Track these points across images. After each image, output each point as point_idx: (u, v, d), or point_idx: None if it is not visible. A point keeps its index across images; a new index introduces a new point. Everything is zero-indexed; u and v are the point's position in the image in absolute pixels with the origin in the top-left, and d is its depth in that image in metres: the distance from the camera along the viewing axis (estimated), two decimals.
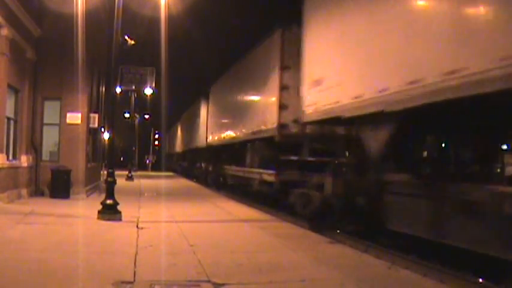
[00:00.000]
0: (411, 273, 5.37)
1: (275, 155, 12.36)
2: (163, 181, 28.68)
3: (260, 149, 14.21)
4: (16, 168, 12.42)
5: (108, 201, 9.35)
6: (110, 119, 13.13)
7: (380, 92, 6.73)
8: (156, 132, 76.29)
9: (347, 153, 9.65)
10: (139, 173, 41.84)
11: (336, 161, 9.59)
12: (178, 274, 5.10)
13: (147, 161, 65.79)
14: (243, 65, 16.74)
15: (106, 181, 9.88)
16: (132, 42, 10.80)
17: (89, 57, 13.86)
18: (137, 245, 6.63)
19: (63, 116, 14.13)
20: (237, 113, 17.19)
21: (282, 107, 11.80)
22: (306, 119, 9.70)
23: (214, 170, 22.52)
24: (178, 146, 42.01)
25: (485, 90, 4.86)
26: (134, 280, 4.75)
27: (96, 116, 16.00)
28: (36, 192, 13.69)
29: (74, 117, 14.10)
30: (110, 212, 9.24)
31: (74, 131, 14.09)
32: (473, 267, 5.59)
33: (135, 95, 30.85)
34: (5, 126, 11.67)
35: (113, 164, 10.54)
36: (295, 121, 11.13)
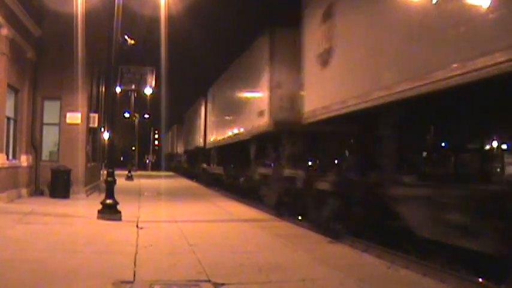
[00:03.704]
0: (411, 273, 5.37)
1: None
2: (163, 181, 28.70)
3: None
4: (16, 168, 12.43)
5: (108, 201, 9.35)
6: (110, 119, 13.13)
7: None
8: (156, 131, 76.35)
9: None
10: (139, 172, 41.92)
11: None
12: (178, 274, 5.10)
13: (147, 161, 65.92)
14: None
15: (106, 181, 9.88)
16: (132, 42, 10.80)
17: (88, 57, 13.86)
18: (137, 245, 6.63)
19: (63, 116, 14.14)
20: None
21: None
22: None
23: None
24: (180, 146, 42.01)
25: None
26: (134, 280, 4.75)
27: (96, 116, 15.99)
28: (36, 192, 13.69)
29: (74, 117, 14.11)
30: (109, 211, 9.25)
31: (74, 131, 14.10)
32: (473, 267, 5.59)
33: (135, 95, 30.86)
34: (5, 126, 11.67)
35: (113, 164, 10.55)
36: None
